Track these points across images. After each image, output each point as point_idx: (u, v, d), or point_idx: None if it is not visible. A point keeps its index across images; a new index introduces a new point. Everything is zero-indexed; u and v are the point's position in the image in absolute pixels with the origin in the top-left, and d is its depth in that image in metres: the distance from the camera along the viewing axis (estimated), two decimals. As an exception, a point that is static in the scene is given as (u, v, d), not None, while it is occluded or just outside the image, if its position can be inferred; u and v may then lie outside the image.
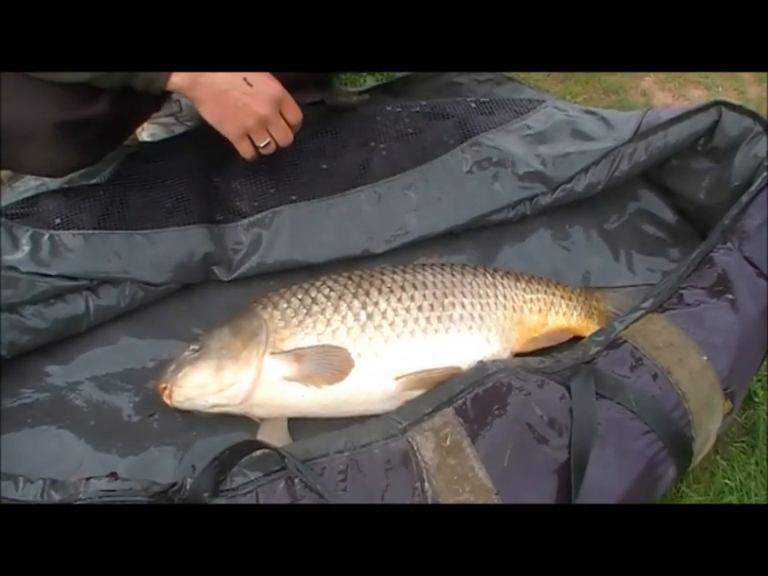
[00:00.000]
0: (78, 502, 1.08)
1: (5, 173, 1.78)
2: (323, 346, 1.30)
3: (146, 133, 1.85)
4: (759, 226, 1.35)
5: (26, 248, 1.39)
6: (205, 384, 1.30)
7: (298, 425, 1.35)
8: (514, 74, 1.91)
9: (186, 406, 1.33)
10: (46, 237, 1.40)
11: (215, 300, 1.51)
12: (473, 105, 1.65)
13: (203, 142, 1.57)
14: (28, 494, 1.11)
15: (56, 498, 1.10)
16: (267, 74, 1.34)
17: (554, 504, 1.14)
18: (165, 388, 1.31)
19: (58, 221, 1.43)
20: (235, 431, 1.33)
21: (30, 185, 1.66)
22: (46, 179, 1.63)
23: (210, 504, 1.08)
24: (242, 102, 1.31)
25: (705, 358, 1.24)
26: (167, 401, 1.32)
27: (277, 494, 1.10)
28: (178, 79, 1.26)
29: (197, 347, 1.34)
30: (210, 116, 1.34)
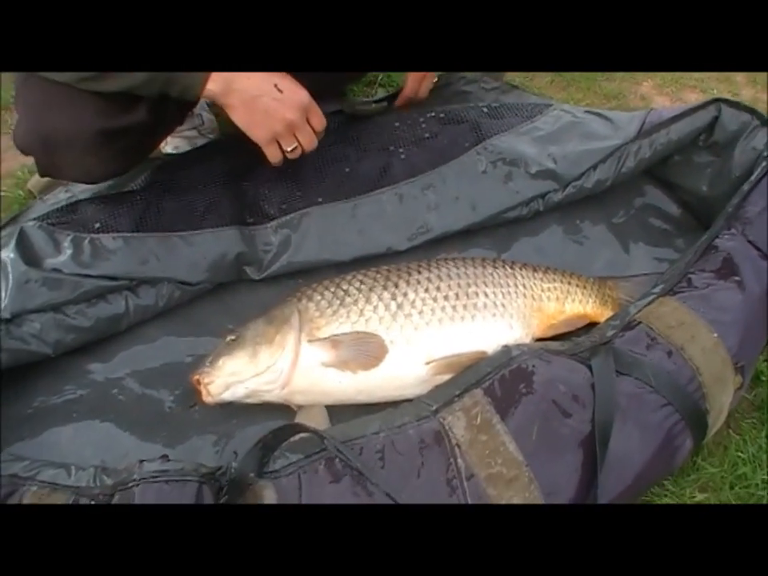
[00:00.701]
0: (131, 485, 1.14)
1: (36, 186, 1.85)
2: (358, 332, 1.37)
3: (170, 146, 1.92)
4: (760, 211, 1.44)
5: (69, 251, 1.46)
6: (241, 370, 1.36)
7: (332, 413, 1.41)
8: (518, 83, 1.99)
9: (226, 396, 1.38)
10: (87, 240, 1.48)
11: (247, 298, 1.58)
12: (485, 110, 1.73)
13: (230, 150, 1.65)
14: (81, 480, 1.17)
15: (108, 482, 1.16)
16: (295, 81, 1.40)
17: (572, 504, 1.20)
18: (198, 381, 1.37)
19: (97, 225, 1.50)
20: (274, 419, 1.38)
21: (59, 197, 1.73)
22: (76, 191, 1.70)
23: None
24: (272, 108, 1.38)
25: (715, 334, 1.32)
26: (207, 399, 1.37)
27: (318, 474, 1.16)
28: (213, 86, 1.33)
29: (232, 338, 1.40)
30: (241, 121, 1.40)
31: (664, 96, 2.19)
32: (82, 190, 1.71)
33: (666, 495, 1.35)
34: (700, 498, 1.35)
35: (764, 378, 1.49)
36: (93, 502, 1.14)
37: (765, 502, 1.34)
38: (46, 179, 1.78)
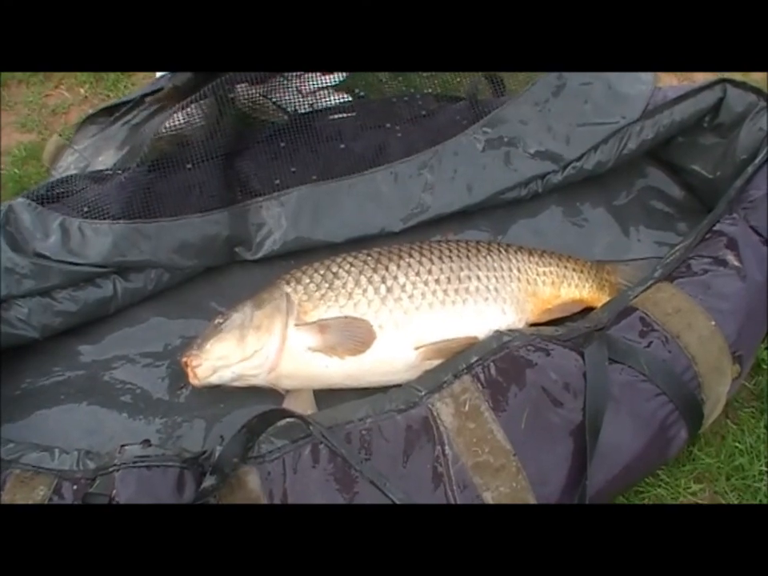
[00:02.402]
0: (112, 470, 1.13)
1: (47, 159, 1.80)
2: (346, 317, 1.35)
3: None
4: (763, 196, 1.39)
5: (56, 235, 1.43)
6: (228, 354, 1.35)
7: (322, 397, 1.39)
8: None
9: (213, 380, 1.37)
10: (76, 226, 1.45)
11: (239, 279, 1.56)
12: (483, 77, 1.68)
13: (225, 124, 1.61)
14: (64, 463, 1.17)
15: (91, 466, 1.15)
16: None
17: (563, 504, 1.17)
18: (186, 363, 1.36)
19: (86, 209, 1.47)
20: (262, 403, 1.36)
21: (68, 161, 1.71)
22: (80, 148, 1.67)
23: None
24: None
25: (713, 323, 1.28)
26: (194, 381, 1.36)
27: (303, 460, 1.15)
28: None
29: (221, 320, 1.39)
30: None
31: (671, 75, 2.12)
32: (84, 147, 1.68)
33: (659, 485, 1.33)
34: (695, 488, 1.33)
35: (765, 366, 1.46)
36: (75, 487, 1.13)
37: (762, 493, 1.31)
38: (54, 146, 1.75)
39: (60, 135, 1.88)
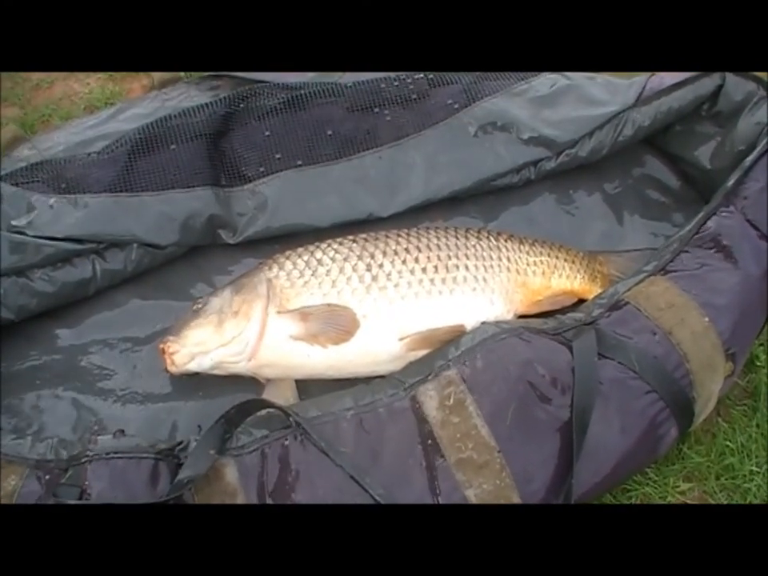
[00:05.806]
0: (84, 460, 1.10)
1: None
2: (329, 305, 1.31)
3: None
4: (762, 189, 1.35)
5: (33, 212, 1.39)
6: (206, 339, 1.31)
7: (304, 387, 1.36)
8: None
9: (192, 366, 1.33)
10: (53, 200, 1.41)
11: (222, 263, 1.52)
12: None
13: (209, 108, 1.57)
14: (38, 451, 1.13)
15: (64, 455, 1.12)
16: None
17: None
18: (164, 350, 1.32)
19: (63, 185, 1.43)
20: (242, 392, 1.33)
21: (24, 153, 1.65)
22: (41, 148, 1.63)
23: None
24: None
25: (706, 318, 1.25)
26: (171, 368, 1.33)
27: (282, 452, 1.11)
28: None
29: (199, 305, 1.35)
30: None
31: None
32: (46, 148, 1.64)
33: (648, 484, 1.30)
34: (684, 487, 1.31)
35: (758, 364, 1.43)
36: (47, 477, 1.10)
37: (751, 494, 1.29)
38: (12, 134, 1.70)
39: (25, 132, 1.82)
